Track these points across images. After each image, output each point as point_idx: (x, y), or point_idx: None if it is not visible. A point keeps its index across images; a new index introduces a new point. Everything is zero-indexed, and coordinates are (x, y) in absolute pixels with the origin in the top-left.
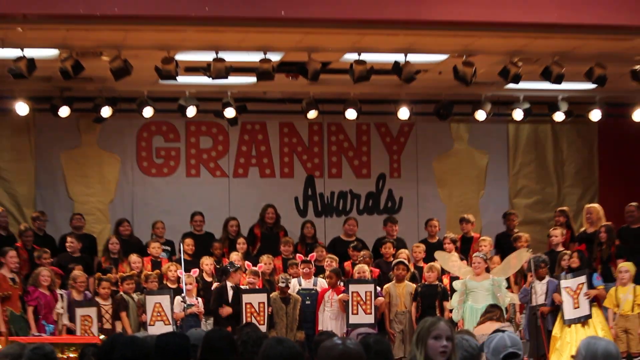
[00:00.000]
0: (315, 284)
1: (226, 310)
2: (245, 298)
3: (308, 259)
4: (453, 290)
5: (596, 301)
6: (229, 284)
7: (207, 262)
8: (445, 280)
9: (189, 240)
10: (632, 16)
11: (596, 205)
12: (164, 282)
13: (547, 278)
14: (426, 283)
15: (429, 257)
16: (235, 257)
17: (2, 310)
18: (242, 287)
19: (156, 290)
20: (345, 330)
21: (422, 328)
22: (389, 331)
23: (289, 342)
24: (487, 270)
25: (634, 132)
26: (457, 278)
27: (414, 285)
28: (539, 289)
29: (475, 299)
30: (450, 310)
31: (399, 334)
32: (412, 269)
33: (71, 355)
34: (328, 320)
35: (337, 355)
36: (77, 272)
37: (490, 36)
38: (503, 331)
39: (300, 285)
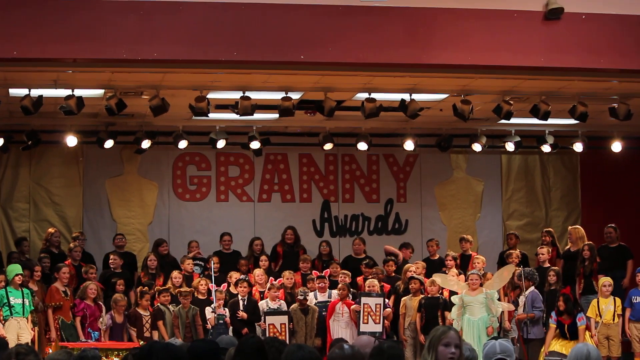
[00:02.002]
0: (330, 297)
1: (242, 314)
2: (269, 319)
3: (323, 274)
4: (452, 303)
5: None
6: (240, 297)
7: (234, 277)
8: (446, 293)
9: (215, 258)
10: (610, 61)
11: (578, 226)
12: (195, 295)
13: (532, 288)
14: (429, 296)
15: (429, 273)
16: (258, 272)
17: (54, 319)
18: (268, 305)
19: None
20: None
21: (434, 336)
22: (402, 337)
23: (308, 347)
24: (481, 285)
25: (612, 162)
26: (455, 292)
27: None
28: (522, 300)
29: (471, 312)
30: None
31: (411, 340)
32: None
33: (114, 359)
34: (341, 329)
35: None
36: (118, 296)
37: (485, 78)
38: (496, 339)
39: (316, 298)
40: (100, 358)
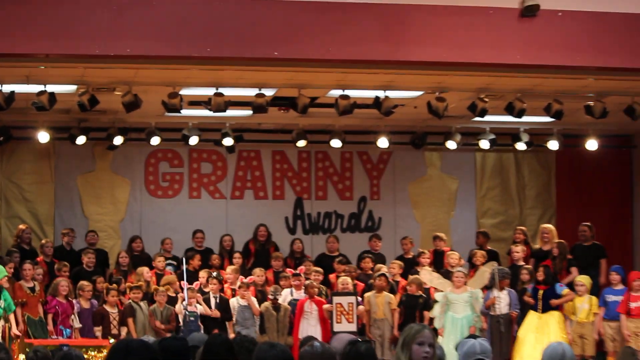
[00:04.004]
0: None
1: (215, 313)
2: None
3: (298, 272)
4: (435, 300)
5: (560, 308)
6: (211, 294)
7: (204, 275)
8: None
9: (197, 256)
10: (586, 58)
11: (549, 225)
12: (167, 292)
13: (507, 289)
14: (409, 293)
15: (406, 272)
16: (230, 270)
17: (22, 315)
18: (239, 302)
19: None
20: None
21: (408, 334)
22: (368, 336)
23: (281, 346)
24: (465, 283)
25: (587, 160)
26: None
27: (392, 296)
28: (502, 299)
29: (455, 310)
30: (431, 319)
31: (378, 338)
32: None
33: (84, 356)
34: (310, 327)
35: (314, 355)
36: (84, 282)
37: (460, 75)
38: (475, 337)
39: (292, 295)
40: (83, 358)
